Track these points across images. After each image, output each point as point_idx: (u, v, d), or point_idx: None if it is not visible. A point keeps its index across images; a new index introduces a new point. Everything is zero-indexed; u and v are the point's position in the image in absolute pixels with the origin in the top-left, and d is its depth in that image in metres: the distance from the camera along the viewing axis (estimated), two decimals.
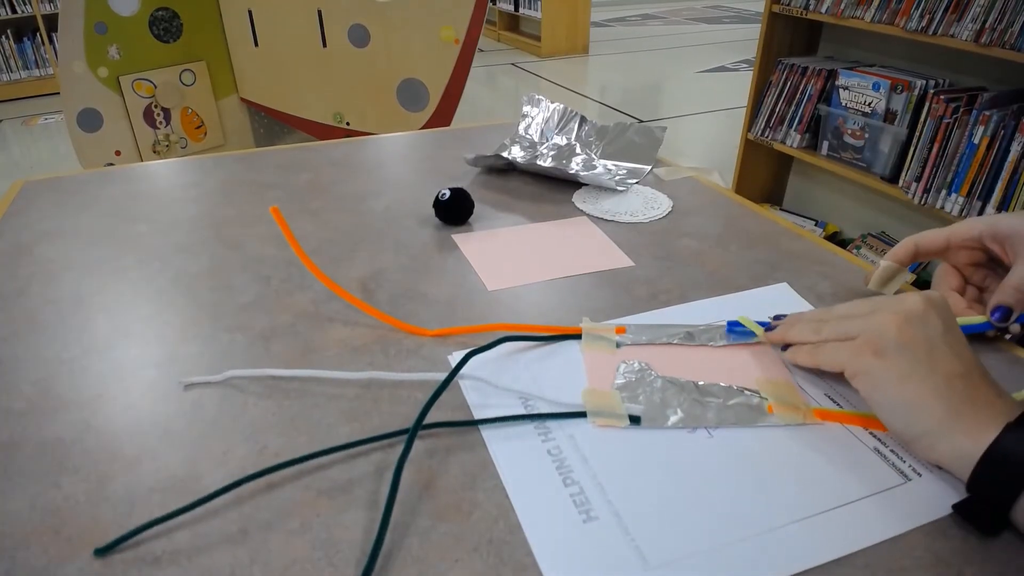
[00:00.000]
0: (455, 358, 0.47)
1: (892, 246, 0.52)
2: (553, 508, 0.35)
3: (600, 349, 0.48)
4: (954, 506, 0.35)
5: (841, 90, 1.94)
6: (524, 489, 0.36)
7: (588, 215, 0.69)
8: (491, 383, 0.44)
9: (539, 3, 4.85)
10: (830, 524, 0.34)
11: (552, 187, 0.76)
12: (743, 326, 0.48)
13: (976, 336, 0.47)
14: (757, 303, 0.53)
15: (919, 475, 0.37)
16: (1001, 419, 0.34)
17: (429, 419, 0.40)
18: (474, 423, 0.41)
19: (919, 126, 1.75)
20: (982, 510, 0.34)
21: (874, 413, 0.39)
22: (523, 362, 0.46)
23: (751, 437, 0.40)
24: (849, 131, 1.95)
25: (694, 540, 0.33)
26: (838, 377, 0.42)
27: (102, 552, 0.33)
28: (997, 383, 0.37)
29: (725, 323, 0.49)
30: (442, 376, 0.43)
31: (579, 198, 0.72)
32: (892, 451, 0.39)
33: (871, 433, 0.40)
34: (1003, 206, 1.58)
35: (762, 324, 0.48)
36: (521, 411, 0.42)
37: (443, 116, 2.19)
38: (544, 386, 0.44)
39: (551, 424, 0.41)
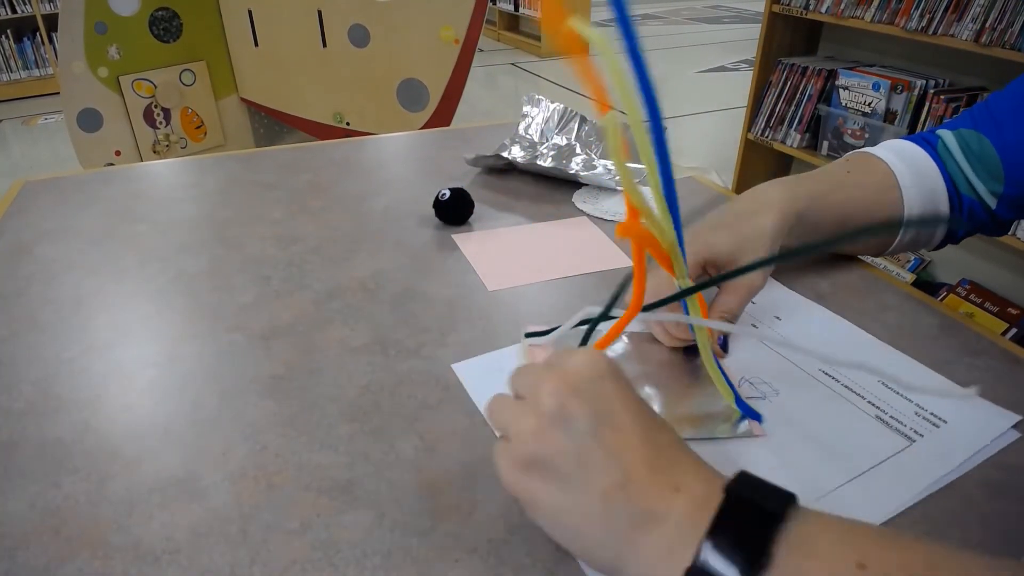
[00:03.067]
0: (459, 368, 0.46)
1: None
2: None
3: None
4: None
5: (841, 90, 1.94)
6: None
7: (588, 215, 0.69)
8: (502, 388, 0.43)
9: (539, 3, 4.86)
10: (852, 496, 0.36)
11: (552, 187, 0.76)
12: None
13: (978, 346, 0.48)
14: (755, 304, 0.53)
15: (921, 436, 0.39)
16: (688, 528, 0.27)
17: None
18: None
19: (919, 126, 1.75)
20: None
21: None
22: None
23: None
24: (849, 131, 1.95)
25: None
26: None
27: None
28: (678, 459, 0.30)
29: None
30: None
31: (579, 198, 0.72)
32: (892, 418, 0.41)
33: (870, 403, 0.42)
34: None
35: None
36: None
37: (443, 116, 2.19)
38: None
39: None
